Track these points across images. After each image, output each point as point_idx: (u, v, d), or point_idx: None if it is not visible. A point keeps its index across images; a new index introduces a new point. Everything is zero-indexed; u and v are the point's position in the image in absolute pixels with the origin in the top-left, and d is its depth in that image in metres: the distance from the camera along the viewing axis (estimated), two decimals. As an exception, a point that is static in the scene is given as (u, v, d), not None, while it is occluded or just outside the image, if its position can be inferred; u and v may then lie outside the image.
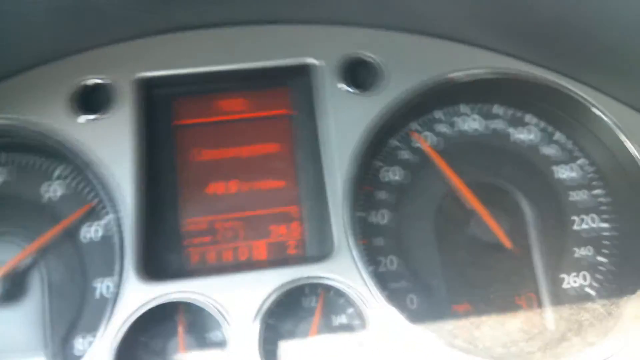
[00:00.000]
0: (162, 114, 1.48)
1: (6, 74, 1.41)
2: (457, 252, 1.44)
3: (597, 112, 1.47)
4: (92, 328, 1.30)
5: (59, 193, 1.42)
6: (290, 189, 1.45)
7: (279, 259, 1.41)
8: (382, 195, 1.47)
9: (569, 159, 1.53)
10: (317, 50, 1.46)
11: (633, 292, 1.40)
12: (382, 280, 1.38)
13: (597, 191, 1.50)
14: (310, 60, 1.46)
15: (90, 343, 1.28)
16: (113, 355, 1.25)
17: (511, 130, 1.54)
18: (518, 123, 1.55)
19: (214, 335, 1.33)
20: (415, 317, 1.33)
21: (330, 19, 1.48)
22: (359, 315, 1.33)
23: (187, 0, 1.38)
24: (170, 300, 1.29)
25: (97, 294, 1.36)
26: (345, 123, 1.41)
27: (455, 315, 1.40)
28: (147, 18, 1.42)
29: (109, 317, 1.27)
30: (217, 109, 1.49)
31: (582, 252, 1.46)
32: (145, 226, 1.35)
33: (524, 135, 1.54)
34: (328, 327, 1.36)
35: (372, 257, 1.41)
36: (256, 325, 1.28)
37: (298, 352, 1.33)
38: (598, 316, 1.41)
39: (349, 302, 1.33)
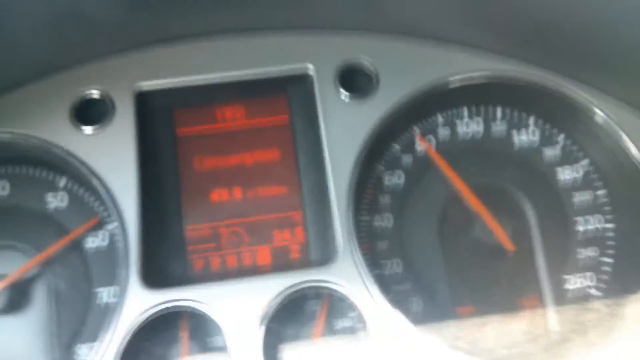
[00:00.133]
0: (163, 124, 1.49)
1: (5, 88, 1.42)
2: (461, 255, 1.45)
3: (598, 112, 1.47)
4: (95, 335, 1.31)
5: (62, 204, 1.44)
6: (293, 194, 1.46)
7: (282, 264, 1.41)
8: (384, 199, 1.48)
9: (571, 160, 1.52)
10: (315, 57, 1.47)
11: (636, 292, 1.40)
12: (386, 283, 1.38)
13: (599, 192, 1.50)
14: (308, 67, 1.47)
15: (94, 350, 1.28)
16: None
17: (513, 132, 1.54)
18: (519, 125, 1.54)
19: (217, 341, 1.33)
20: (419, 320, 1.33)
21: (327, 26, 1.48)
22: (363, 319, 1.32)
23: (183, 11, 1.39)
24: (173, 308, 1.30)
25: (101, 302, 1.37)
26: (345, 129, 1.42)
27: (458, 317, 1.40)
28: (144, 29, 1.43)
29: (113, 325, 1.28)
30: (217, 118, 1.49)
31: (586, 253, 1.46)
32: (149, 235, 1.36)
33: (526, 137, 1.53)
34: (331, 331, 1.37)
35: (375, 261, 1.42)
36: (259, 330, 1.28)
37: (301, 357, 1.34)
38: (601, 317, 1.40)
39: (353, 306, 1.33)
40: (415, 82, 1.46)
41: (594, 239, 1.47)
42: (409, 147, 1.51)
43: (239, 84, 1.47)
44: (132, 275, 1.31)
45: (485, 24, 1.42)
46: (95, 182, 1.37)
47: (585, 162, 1.51)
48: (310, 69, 1.47)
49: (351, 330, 1.36)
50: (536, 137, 1.53)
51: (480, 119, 1.54)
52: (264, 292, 1.31)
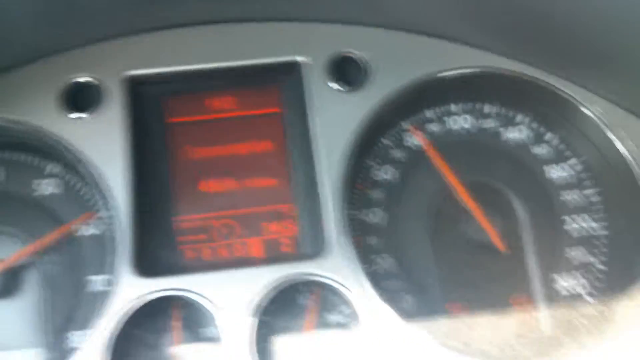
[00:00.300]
0: (152, 112, 1.47)
1: (-8, 73, 1.41)
2: (451, 251, 1.44)
3: (586, 111, 1.47)
4: (87, 322, 1.30)
5: (50, 190, 1.42)
6: (283, 186, 1.45)
7: (273, 257, 1.40)
8: (375, 193, 1.47)
9: (560, 159, 1.52)
10: (306, 48, 1.46)
11: (625, 292, 1.40)
12: (376, 278, 1.37)
13: (588, 191, 1.50)
14: (300, 58, 1.46)
15: (86, 336, 1.27)
16: (108, 348, 1.25)
17: (502, 129, 1.54)
18: (509, 122, 1.54)
19: (208, 331, 1.32)
20: (409, 315, 1.33)
21: (319, 17, 1.48)
22: (353, 313, 1.32)
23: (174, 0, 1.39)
24: (164, 295, 1.29)
25: (92, 289, 1.36)
26: (335, 121, 1.41)
27: (449, 314, 1.40)
28: (134, 16, 1.42)
29: (104, 311, 1.27)
30: (207, 107, 1.48)
31: (573, 252, 1.46)
32: (140, 223, 1.35)
33: (515, 134, 1.54)
34: (322, 324, 1.36)
35: (365, 255, 1.41)
36: (249, 321, 1.27)
37: (291, 349, 1.33)
38: (591, 318, 1.41)
39: (343, 300, 1.33)
40: (406, 75, 1.45)
41: (584, 239, 1.47)
42: (400, 141, 1.51)
43: (230, 74, 1.46)
44: (123, 262, 1.30)
45: (477, 21, 1.42)
46: (84, 168, 1.36)
47: (574, 161, 1.52)
48: (302, 59, 1.46)
49: (342, 324, 1.35)
50: (526, 136, 1.54)
51: (469, 116, 1.54)
52: (257, 283, 1.30)
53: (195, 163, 1.45)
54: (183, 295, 1.29)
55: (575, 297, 1.43)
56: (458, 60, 1.48)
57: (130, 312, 1.27)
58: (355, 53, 1.47)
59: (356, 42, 1.48)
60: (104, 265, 1.36)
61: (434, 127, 1.53)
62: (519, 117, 1.54)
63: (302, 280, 1.32)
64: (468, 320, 1.39)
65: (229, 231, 1.41)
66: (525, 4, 1.29)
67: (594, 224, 1.48)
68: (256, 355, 1.26)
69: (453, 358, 1.29)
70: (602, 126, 1.46)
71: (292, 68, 1.47)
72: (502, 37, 1.45)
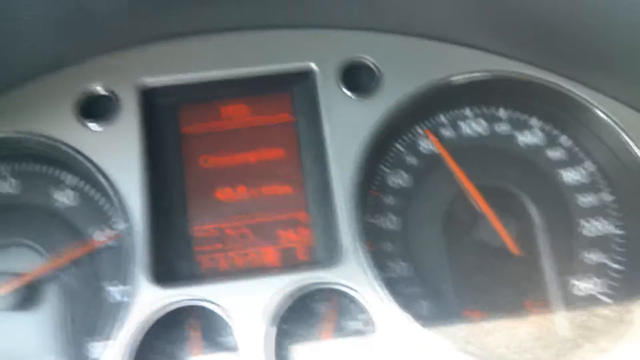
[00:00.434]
0: (167, 122, 1.48)
1: (8, 85, 1.41)
2: (466, 256, 1.44)
3: (600, 114, 1.47)
4: (106, 332, 1.30)
5: (70, 200, 1.43)
6: (298, 194, 1.46)
7: (289, 265, 1.41)
8: (388, 199, 1.47)
9: (575, 162, 1.52)
10: (318, 55, 1.47)
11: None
12: (391, 284, 1.37)
13: (603, 194, 1.50)
14: (311, 65, 1.47)
15: (105, 347, 1.28)
16: (127, 358, 1.26)
17: (516, 133, 1.54)
18: (522, 126, 1.54)
19: (226, 340, 1.33)
20: (426, 320, 1.33)
21: (331, 24, 1.48)
22: (370, 320, 1.32)
23: (188, 8, 1.39)
24: (183, 305, 1.30)
25: (111, 299, 1.37)
26: (348, 128, 1.42)
27: (465, 320, 1.40)
28: (149, 26, 1.43)
29: (124, 322, 1.28)
30: (220, 115, 1.49)
31: (589, 254, 1.46)
32: (155, 233, 1.36)
33: (529, 138, 1.53)
34: (339, 332, 1.36)
35: (381, 261, 1.41)
36: (267, 329, 1.28)
37: (309, 357, 1.33)
38: (609, 322, 1.40)
39: (360, 307, 1.33)
40: (418, 81, 1.45)
41: (600, 241, 1.47)
42: (413, 147, 1.51)
43: (242, 82, 1.47)
44: (141, 273, 1.31)
45: (488, 26, 1.42)
46: (101, 178, 1.36)
47: (589, 164, 1.51)
48: (314, 66, 1.46)
49: (359, 331, 1.35)
50: (539, 139, 1.53)
51: (483, 120, 1.54)
52: (274, 291, 1.30)
53: (210, 172, 1.46)
54: (201, 305, 1.30)
55: (591, 300, 1.43)
56: (470, 65, 1.48)
57: (149, 323, 1.28)
58: (368, 59, 1.47)
59: (368, 48, 1.48)
60: (122, 275, 1.36)
61: (447, 132, 1.53)
62: (533, 121, 1.54)
63: (318, 287, 1.32)
64: (484, 324, 1.39)
65: (245, 240, 1.42)
66: (536, 7, 1.29)
67: (609, 226, 1.48)
68: (273, 363, 1.27)
69: (471, 364, 1.29)
70: (616, 128, 1.46)
71: (305, 75, 1.47)
72: (513, 41, 1.45)
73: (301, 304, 1.33)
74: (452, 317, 1.39)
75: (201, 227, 1.43)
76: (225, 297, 1.30)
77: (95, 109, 1.41)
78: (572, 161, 1.52)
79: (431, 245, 1.45)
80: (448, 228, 1.46)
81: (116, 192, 1.36)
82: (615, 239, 1.47)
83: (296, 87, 1.50)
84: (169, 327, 1.31)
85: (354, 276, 1.32)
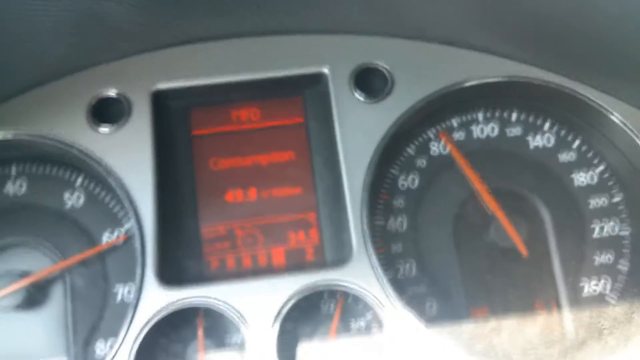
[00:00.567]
0: (179, 125, 1.49)
1: (22, 89, 1.43)
2: (476, 257, 1.44)
3: (613, 118, 1.46)
4: (113, 332, 1.32)
5: (80, 202, 1.44)
6: (308, 196, 1.46)
7: (297, 265, 1.41)
8: (399, 202, 1.47)
9: (587, 165, 1.51)
10: (330, 59, 1.47)
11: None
12: (401, 285, 1.38)
13: (615, 198, 1.49)
14: (324, 70, 1.47)
15: (112, 346, 1.29)
16: (134, 357, 1.26)
17: (529, 137, 1.53)
18: (535, 130, 1.54)
19: (233, 340, 1.34)
20: (433, 321, 1.34)
21: (342, 29, 1.49)
22: (378, 320, 1.33)
23: (201, 14, 1.40)
24: (190, 306, 1.30)
25: (118, 299, 1.38)
26: (360, 132, 1.42)
27: (474, 320, 1.40)
28: (161, 31, 1.43)
29: (130, 321, 1.28)
30: (233, 118, 1.50)
31: (602, 258, 1.45)
32: (165, 233, 1.37)
33: (542, 141, 1.53)
34: (346, 331, 1.36)
35: (390, 262, 1.41)
36: (275, 329, 1.28)
37: (316, 356, 1.34)
38: (619, 323, 1.40)
39: (367, 307, 1.33)
40: (431, 85, 1.46)
41: (610, 244, 1.46)
42: (424, 150, 1.51)
43: (254, 85, 1.48)
44: (148, 273, 1.32)
45: (501, 30, 1.42)
46: (112, 181, 1.37)
47: (600, 166, 1.51)
48: (326, 70, 1.47)
49: (366, 331, 1.36)
50: (551, 142, 1.53)
51: (495, 123, 1.54)
52: (282, 291, 1.31)
53: (220, 174, 1.47)
54: (208, 305, 1.30)
55: (600, 300, 1.43)
56: (482, 69, 1.48)
57: (156, 322, 1.29)
58: (380, 64, 1.47)
59: (380, 53, 1.48)
60: (130, 275, 1.37)
61: (460, 135, 1.53)
62: (545, 125, 1.54)
63: (326, 288, 1.33)
64: (492, 324, 1.39)
65: (254, 240, 1.43)
66: (551, 13, 1.29)
67: (619, 228, 1.47)
68: (281, 362, 1.28)
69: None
70: (628, 132, 1.45)
71: (317, 79, 1.48)
72: (525, 45, 1.44)
73: (309, 304, 1.33)
74: (460, 317, 1.40)
75: (210, 228, 1.44)
76: (232, 297, 1.30)
77: (107, 112, 1.43)
78: (584, 164, 1.51)
79: (441, 247, 1.45)
80: (458, 229, 1.46)
81: (127, 193, 1.37)
82: (625, 240, 1.47)
83: (308, 90, 1.51)
84: (176, 326, 1.32)
85: (362, 277, 1.32)
